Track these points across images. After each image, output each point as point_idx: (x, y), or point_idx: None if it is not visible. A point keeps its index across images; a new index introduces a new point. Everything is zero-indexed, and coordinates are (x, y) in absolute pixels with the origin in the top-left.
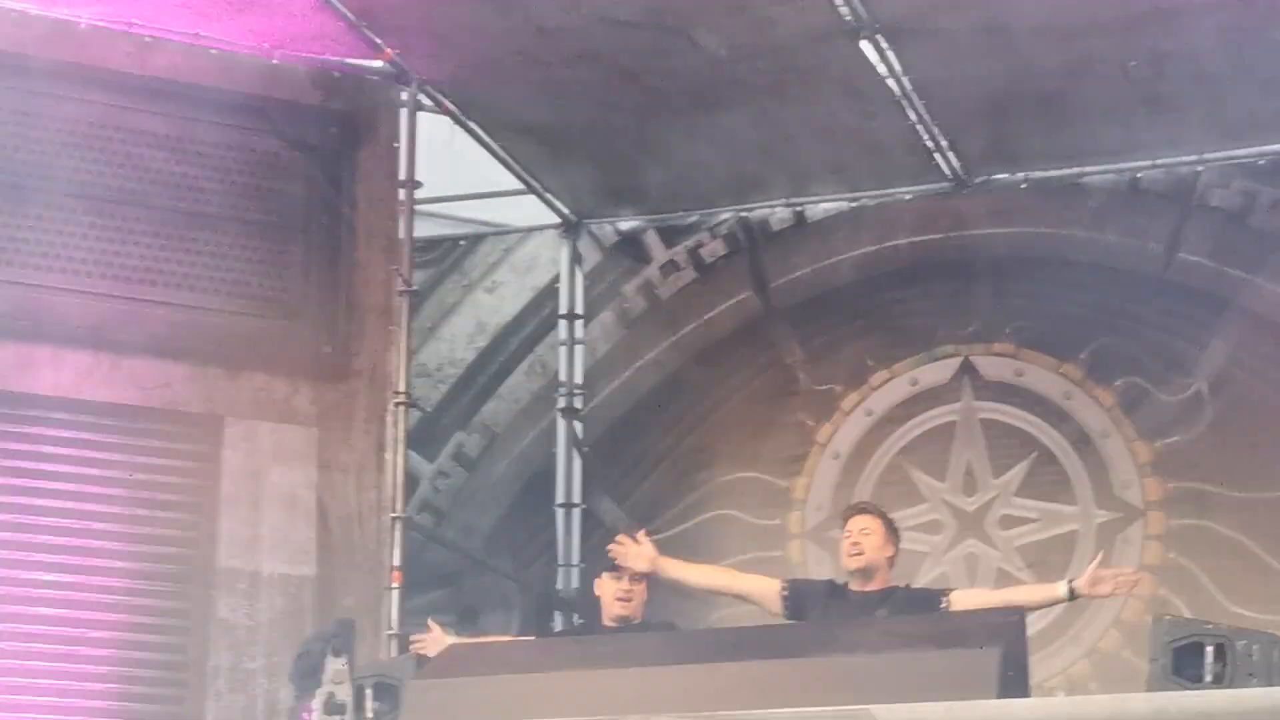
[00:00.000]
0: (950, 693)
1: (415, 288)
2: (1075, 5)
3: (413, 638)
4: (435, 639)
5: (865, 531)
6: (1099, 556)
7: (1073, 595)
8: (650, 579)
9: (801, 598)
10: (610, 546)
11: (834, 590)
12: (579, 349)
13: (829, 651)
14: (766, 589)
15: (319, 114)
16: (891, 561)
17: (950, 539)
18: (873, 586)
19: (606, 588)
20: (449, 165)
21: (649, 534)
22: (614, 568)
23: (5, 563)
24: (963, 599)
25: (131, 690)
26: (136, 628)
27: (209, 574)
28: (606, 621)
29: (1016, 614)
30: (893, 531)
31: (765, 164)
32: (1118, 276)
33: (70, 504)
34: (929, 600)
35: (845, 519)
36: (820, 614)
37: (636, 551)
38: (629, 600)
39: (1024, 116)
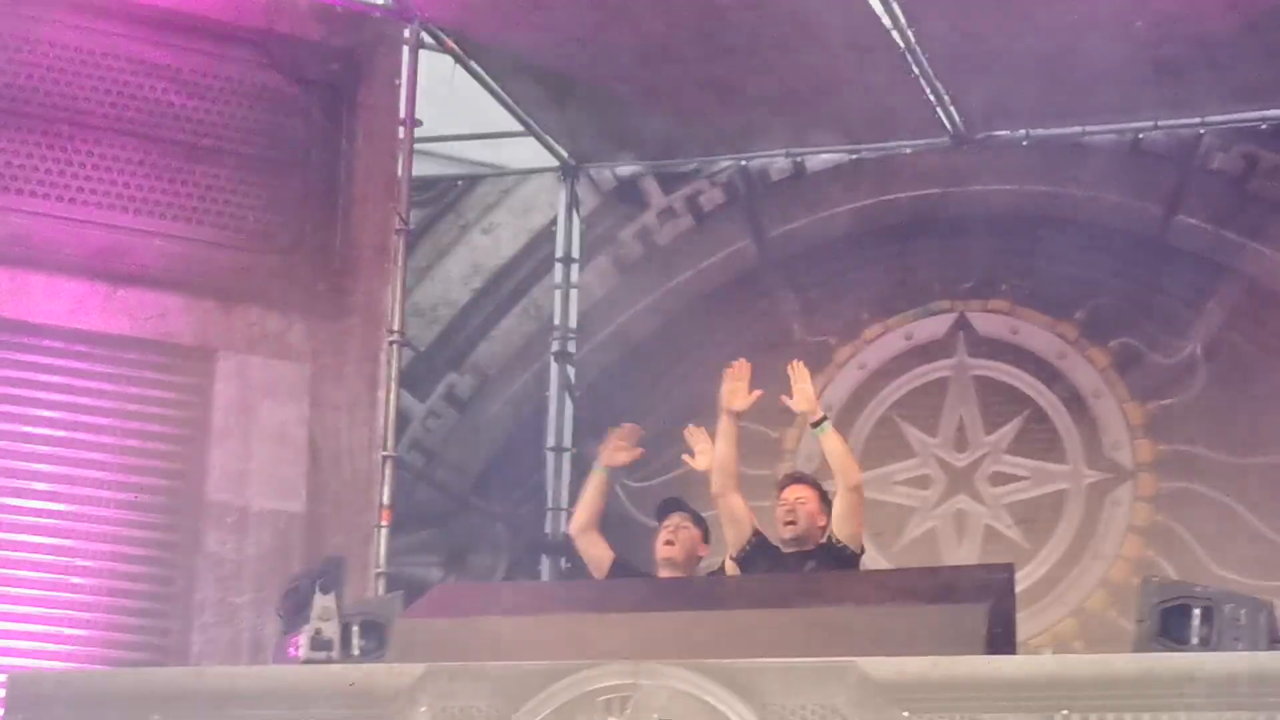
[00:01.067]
0: (937, 647)
1: (412, 227)
2: None
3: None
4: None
5: (800, 500)
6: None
7: (823, 419)
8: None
9: (758, 552)
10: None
11: (777, 556)
12: (574, 293)
13: (818, 603)
14: (743, 523)
15: (320, 49)
16: (823, 530)
17: (940, 494)
18: (807, 549)
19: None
20: (449, 105)
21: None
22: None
23: None
24: (834, 523)
25: (118, 621)
26: (124, 558)
27: (198, 507)
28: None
29: (1006, 570)
30: (825, 500)
31: (766, 114)
32: (1116, 237)
33: (61, 433)
34: (831, 547)
35: (781, 487)
36: (762, 571)
37: (741, 389)
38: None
39: (1027, 74)
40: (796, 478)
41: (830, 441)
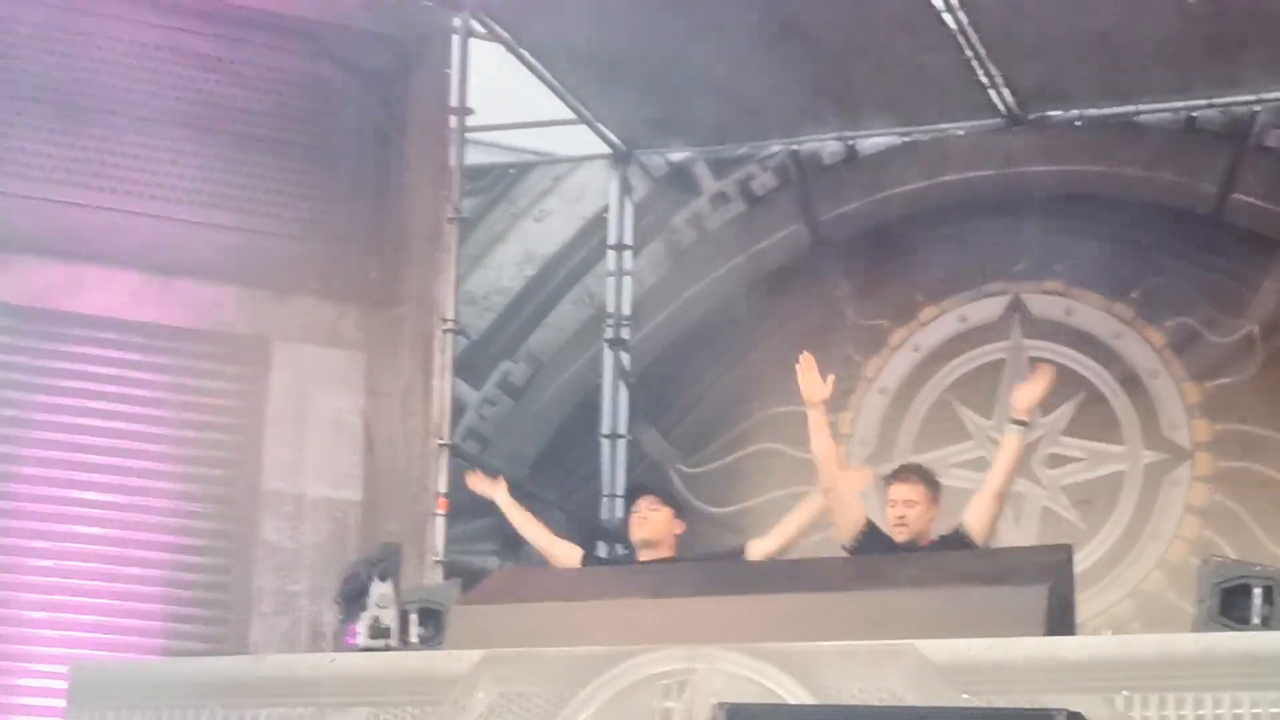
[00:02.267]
0: (997, 629)
1: (465, 215)
2: None
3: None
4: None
5: (909, 502)
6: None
7: (1024, 424)
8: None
9: (871, 543)
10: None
11: (891, 547)
12: (627, 280)
13: (875, 586)
14: (854, 513)
15: (371, 39)
16: (932, 521)
17: None
18: (921, 545)
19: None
20: (500, 93)
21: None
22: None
23: (53, 482)
24: (971, 518)
25: (176, 611)
26: (182, 549)
27: (254, 496)
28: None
29: (1064, 551)
30: (935, 489)
31: (817, 97)
32: (1170, 216)
33: (117, 424)
34: (958, 540)
35: (889, 482)
36: None
37: (816, 379)
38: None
39: (1079, 53)
40: (907, 473)
41: (1015, 444)
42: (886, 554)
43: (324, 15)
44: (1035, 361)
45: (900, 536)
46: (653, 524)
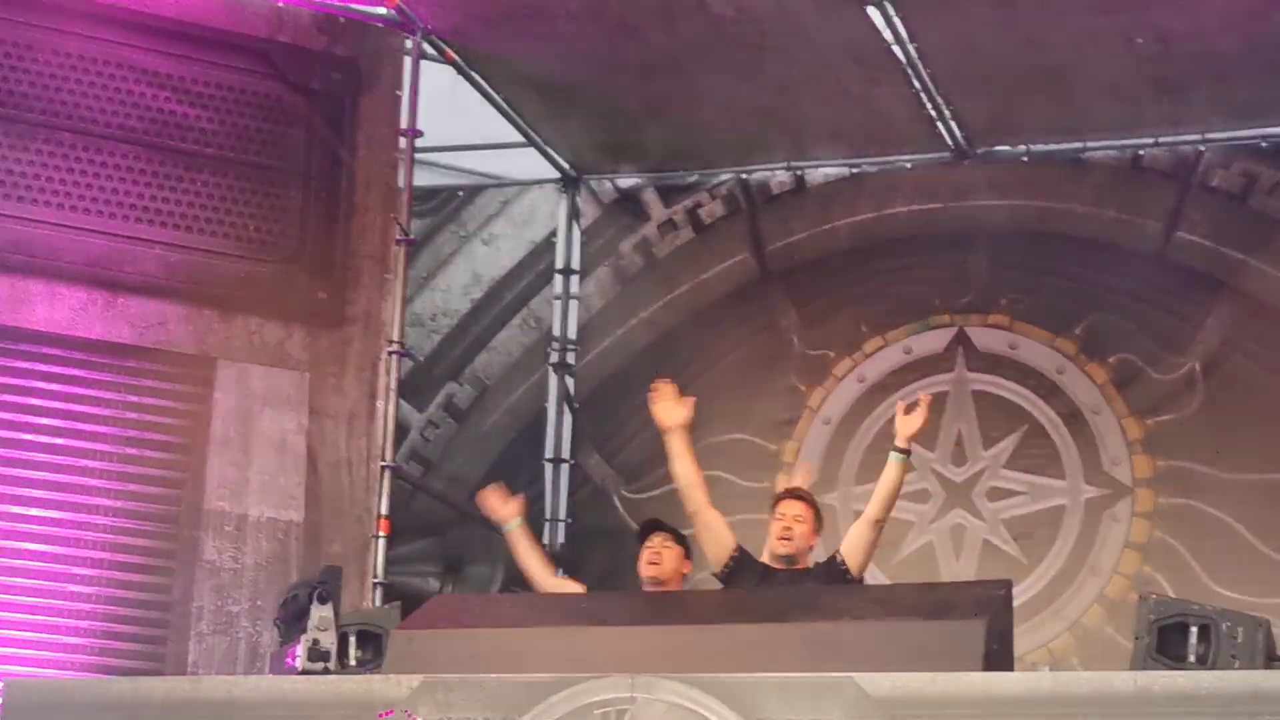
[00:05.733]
0: (935, 663)
1: (412, 237)
2: None
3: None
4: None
5: (799, 518)
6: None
7: (906, 453)
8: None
9: (742, 568)
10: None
11: (766, 572)
12: (574, 304)
13: (813, 618)
14: (723, 538)
15: (322, 59)
16: (813, 547)
17: (938, 509)
18: (797, 567)
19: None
20: (450, 115)
21: (636, 491)
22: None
23: None
24: (847, 547)
25: (115, 629)
26: (122, 566)
27: (196, 515)
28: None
29: (1003, 586)
30: (820, 521)
31: (767, 127)
32: (1115, 253)
33: (59, 440)
34: (834, 569)
35: (776, 501)
36: (750, 589)
37: (673, 405)
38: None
39: (1028, 89)
40: (796, 493)
41: (898, 473)
42: (761, 582)
43: (275, 35)
44: (921, 393)
45: (783, 549)
46: (665, 562)
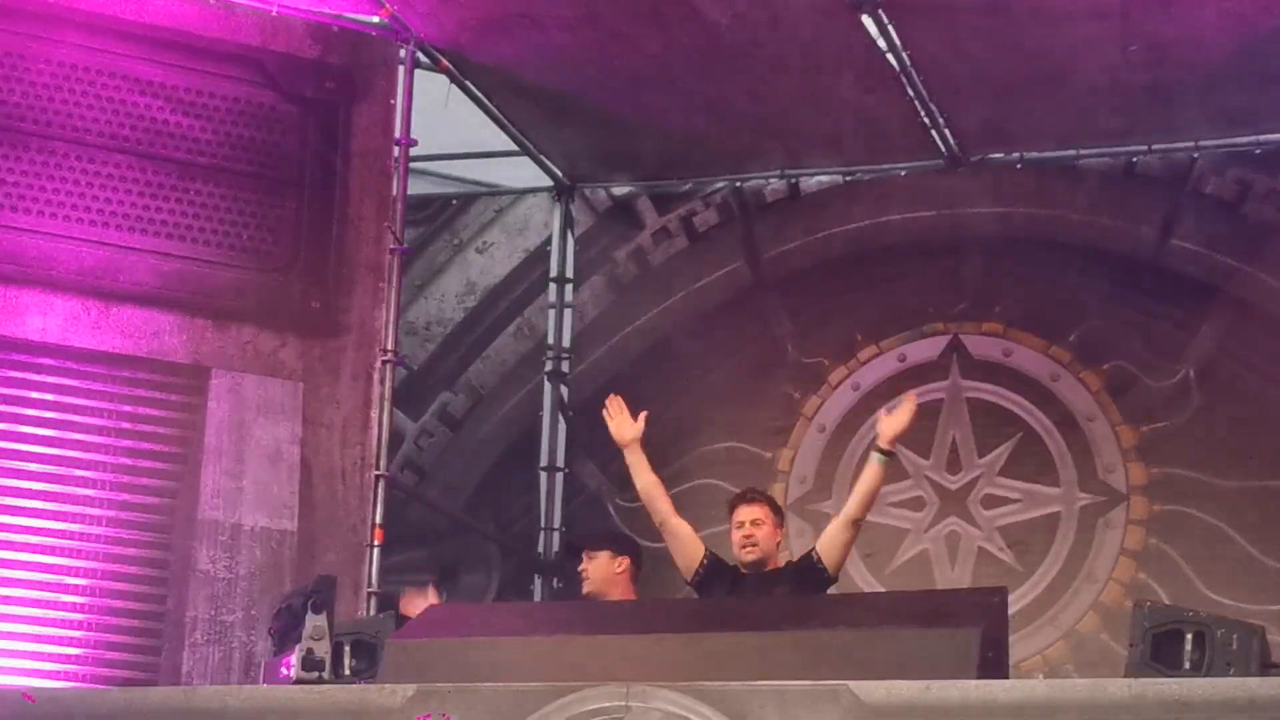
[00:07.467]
0: (931, 671)
1: (406, 245)
2: None
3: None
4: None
5: (757, 522)
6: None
7: (888, 453)
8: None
9: (713, 575)
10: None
11: (737, 576)
12: (568, 313)
13: (808, 626)
14: (692, 547)
15: (316, 68)
16: (779, 544)
17: (932, 516)
18: (768, 569)
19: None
20: (444, 124)
21: (631, 499)
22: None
23: None
24: (823, 545)
25: (108, 639)
26: (116, 576)
27: (190, 525)
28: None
29: (999, 594)
30: (780, 515)
31: (761, 135)
32: (1109, 260)
33: (53, 450)
34: (808, 567)
35: (732, 507)
36: (722, 595)
37: (625, 420)
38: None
39: (1021, 97)
40: (750, 494)
41: (876, 473)
42: (734, 588)
43: (269, 43)
44: (906, 393)
45: (748, 556)
46: (592, 574)
